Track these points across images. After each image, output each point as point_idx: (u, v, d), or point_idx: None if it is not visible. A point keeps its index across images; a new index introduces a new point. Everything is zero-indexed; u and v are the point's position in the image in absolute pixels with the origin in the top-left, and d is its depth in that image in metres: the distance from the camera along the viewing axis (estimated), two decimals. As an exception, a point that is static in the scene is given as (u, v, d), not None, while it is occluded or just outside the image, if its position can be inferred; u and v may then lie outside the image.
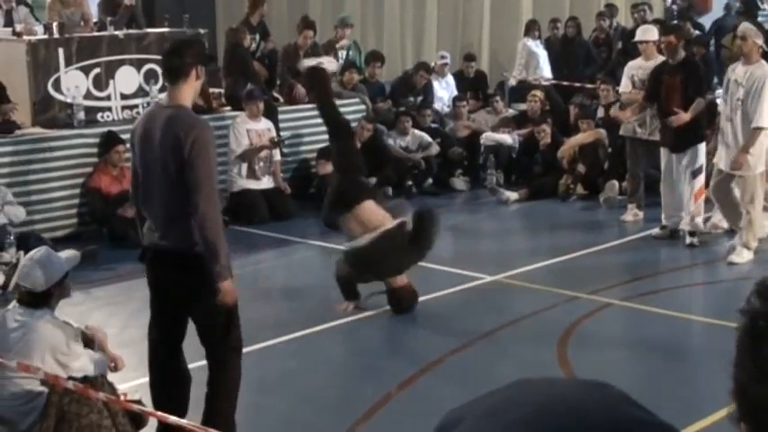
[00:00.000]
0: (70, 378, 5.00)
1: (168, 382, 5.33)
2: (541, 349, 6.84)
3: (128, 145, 9.88)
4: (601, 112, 12.20)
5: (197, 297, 5.01)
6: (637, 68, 10.09)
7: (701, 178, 9.24)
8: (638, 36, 10.24)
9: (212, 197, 4.90)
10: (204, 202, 4.81)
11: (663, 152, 9.46)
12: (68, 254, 5.50)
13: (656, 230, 9.65)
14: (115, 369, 5.50)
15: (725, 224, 9.55)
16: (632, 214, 10.23)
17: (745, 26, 8.91)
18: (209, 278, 4.86)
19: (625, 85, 10.22)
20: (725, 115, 8.82)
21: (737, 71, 8.65)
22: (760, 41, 8.64)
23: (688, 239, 9.31)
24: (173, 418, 4.82)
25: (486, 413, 1.15)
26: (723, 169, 8.81)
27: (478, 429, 1.14)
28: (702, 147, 9.26)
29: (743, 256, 8.69)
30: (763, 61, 8.63)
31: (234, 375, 5.25)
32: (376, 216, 7.60)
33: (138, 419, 5.25)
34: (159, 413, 4.96)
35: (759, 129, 8.48)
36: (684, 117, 9.05)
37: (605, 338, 7.09)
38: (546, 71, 14.37)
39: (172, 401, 5.23)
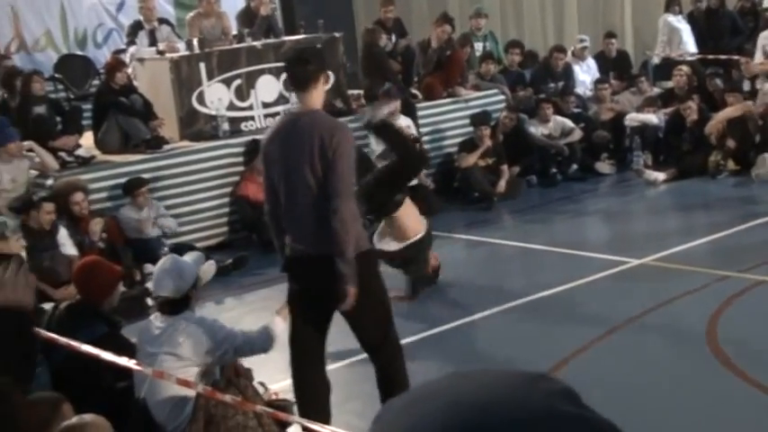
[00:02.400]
0: (214, 383, 5.14)
1: (315, 390, 5.34)
2: (691, 331, 6.66)
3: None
4: (748, 85, 11.78)
5: (358, 301, 4.99)
6: None
7: None
8: None
9: (350, 201, 4.96)
10: (345, 209, 4.87)
11: None
12: (194, 255, 5.66)
13: None
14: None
15: None
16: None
17: None
18: (363, 282, 4.94)
19: (758, 57, 9.80)
20: None
21: None
22: None
23: None
24: (312, 425, 4.84)
25: (406, 403, 1.12)
26: None
27: (396, 418, 1.11)
28: None
29: None
30: None
31: (403, 376, 5.28)
32: (412, 223, 7.78)
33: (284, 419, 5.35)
34: (296, 418, 5.04)
35: None
36: None
37: (757, 318, 6.84)
38: (690, 46, 13.94)
39: (318, 409, 5.27)
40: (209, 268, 5.59)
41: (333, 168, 4.86)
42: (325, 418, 5.17)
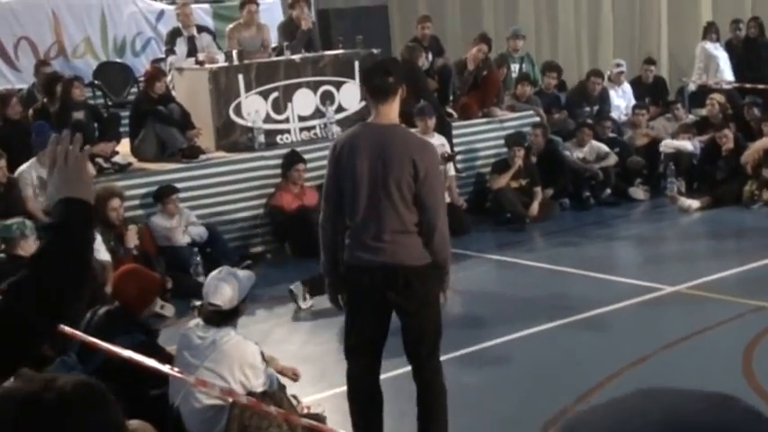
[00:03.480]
0: (250, 393, 5.17)
1: (373, 405, 5.34)
2: (725, 361, 6.63)
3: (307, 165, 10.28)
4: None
5: (419, 312, 5.12)
6: None
7: None
8: None
9: (445, 217, 5.12)
10: (442, 222, 5.04)
11: None
12: (246, 273, 5.70)
13: None
14: (295, 379, 5.68)
15: None
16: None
17: None
18: (431, 292, 5.10)
19: None
20: None
21: None
22: None
23: None
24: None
25: (594, 421, 1.14)
26: None
27: None
28: None
29: None
30: None
31: (444, 395, 5.30)
32: None
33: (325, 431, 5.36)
34: (334, 429, 5.06)
35: None
36: None
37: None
38: (727, 74, 13.92)
39: (374, 425, 5.32)
40: (250, 278, 5.62)
41: (428, 187, 4.98)
42: (379, 428, 5.27)
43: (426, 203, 4.98)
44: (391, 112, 5.07)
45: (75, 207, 2.35)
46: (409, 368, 5.35)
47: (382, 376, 5.39)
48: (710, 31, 14.34)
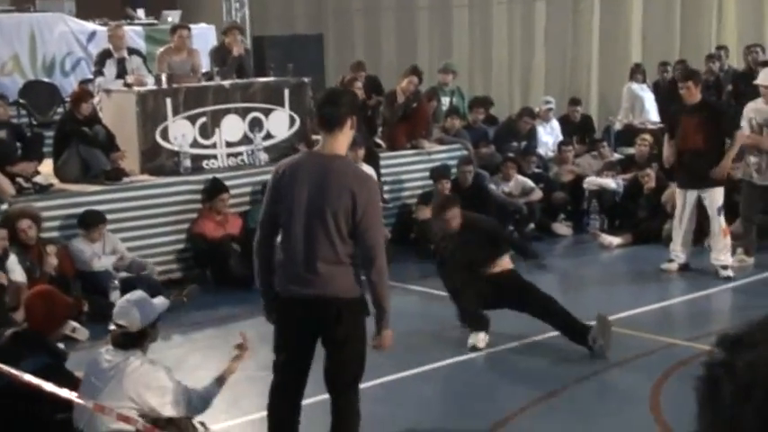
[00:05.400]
0: (155, 419, 5.11)
1: (290, 423, 5.36)
2: (634, 396, 6.72)
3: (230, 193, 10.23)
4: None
5: (345, 343, 5.12)
6: (755, 111, 9.91)
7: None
8: (760, 80, 10.07)
9: (383, 250, 5.07)
10: (380, 255, 5.00)
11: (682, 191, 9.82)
12: (159, 300, 5.66)
13: (668, 264, 9.94)
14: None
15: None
16: (738, 259, 10.01)
17: None
18: (359, 325, 5.10)
19: (745, 129, 10.00)
20: None
21: None
22: None
23: (723, 273, 9.62)
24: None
25: None
26: None
27: None
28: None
29: None
30: None
31: (357, 426, 5.32)
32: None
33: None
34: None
35: None
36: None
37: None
38: (652, 114, 14.19)
39: None
40: (162, 303, 5.58)
41: (367, 221, 4.94)
42: None
43: (365, 238, 4.95)
44: (337, 142, 5.04)
45: None
46: (327, 397, 5.35)
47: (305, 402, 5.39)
48: (637, 73, 14.63)
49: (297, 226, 5.00)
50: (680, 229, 9.92)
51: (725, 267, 9.64)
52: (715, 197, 9.57)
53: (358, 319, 5.13)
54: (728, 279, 9.56)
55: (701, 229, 11.05)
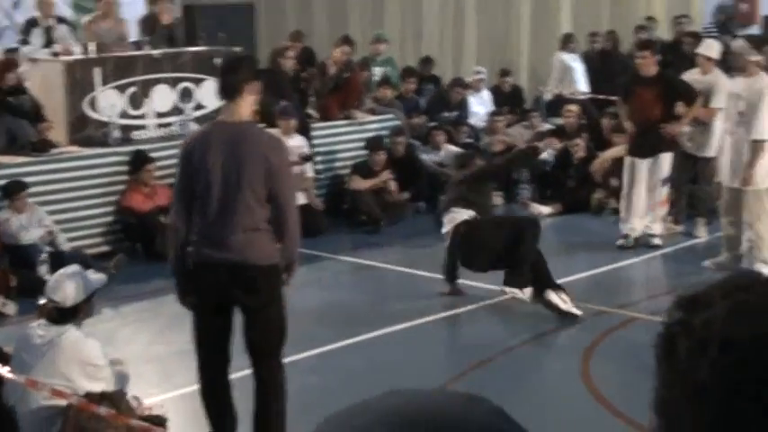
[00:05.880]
0: (88, 393, 5.07)
1: (224, 396, 5.39)
2: (565, 363, 6.84)
3: (157, 164, 10.13)
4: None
5: (263, 310, 5.17)
6: (692, 81, 9.87)
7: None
8: (701, 50, 10.18)
9: (296, 212, 5.20)
10: (292, 217, 5.12)
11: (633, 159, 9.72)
12: (96, 275, 5.60)
13: (624, 241, 9.76)
14: None
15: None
16: (667, 227, 10.12)
17: (737, 43, 9.03)
18: (277, 291, 5.16)
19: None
20: (727, 129, 8.84)
21: (738, 84, 8.70)
22: (754, 57, 8.70)
23: (652, 241, 9.71)
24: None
25: (340, 420, 1.17)
26: (732, 186, 8.72)
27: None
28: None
29: (763, 273, 8.57)
30: (763, 73, 8.64)
31: (283, 396, 5.35)
32: None
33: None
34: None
35: (759, 141, 8.43)
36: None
37: (628, 352, 7.04)
38: (582, 85, 14.31)
39: (228, 414, 5.38)
40: (99, 279, 5.53)
41: (281, 183, 5.04)
42: (233, 423, 5.34)
43: (279, 200, 5.04)
44: (240, 108, 5.08)
45: None
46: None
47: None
48: (568, 43, 14.72)
49: (214, 195, 5.03)
50: (631, 201, 9.73)
51: (653, 236, 9.78)
52: (663, 165, 9.62)
53: (276, 285, 5.18)
54: (657, 247, 9.69)
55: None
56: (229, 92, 5.09)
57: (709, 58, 9.97)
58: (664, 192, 9.77)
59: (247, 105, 5.12)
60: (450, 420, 1.14)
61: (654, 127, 9.44)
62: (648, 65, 9.54)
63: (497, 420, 1.18)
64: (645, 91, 9.45)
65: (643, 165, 9.62)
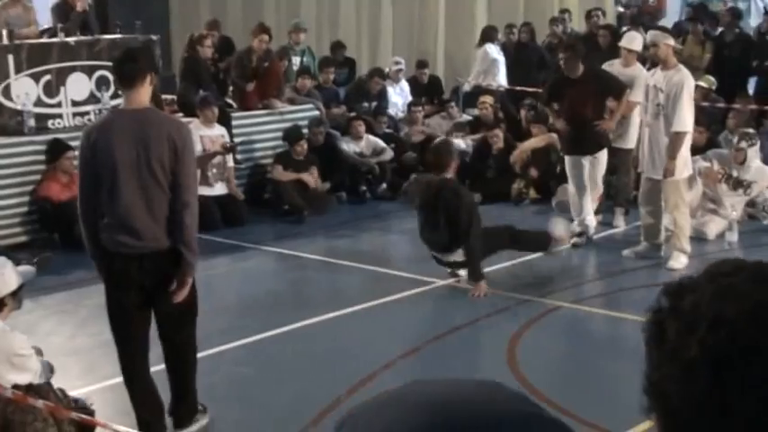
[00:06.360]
0: (15, 386, 4.96)
1: (149, 383, 5.44)
2: (491, 351, 6.91)
3: (76, 152, 9.96)
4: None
5: (171, 295, 5.23)
6: (615, 73, 9.86)
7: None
8: (623, 43, 10.24)
9: (197, 194, 5.28)
10: (193, 198, 5.19)
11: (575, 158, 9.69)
12: (24, 268, 5.50)
13: (577, 239, 9.69)
14: None
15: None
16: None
17: (652, 33, 9.01)
18: (181, 274, 5.21)
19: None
20: (645, 121, 8.90)
21: (657, 76, 8.72)
22: (671, 42, 8.75)
23: (576, 240, 9.59)
24: (118, 427, 4.81)
25: (372, 411, 1.18)
26: (650, 176, 8.87)
27: (362, 426, 1.17)
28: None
29: (681, 261, 8.76)
30: (681, 66, 8.74)
31: (194, 384, 5.54)
32: None
33: (86, 427, 5.22)
34: (103, 422, 4.95)
35: (680, 133, 8.55)
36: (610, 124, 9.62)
37: (553, 340, 7.16)
38: (502, 77, 14.44)
39: (155, 403, 5.46)
40: (27, 272, 5.42)
41: (184, 164, 5.10)
42: (160, 412, 5.46)
43: (181, 180, 5.10)
44: (140, 96, 5.17)
45: None
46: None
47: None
48: (494, 35, 14.78)
49: (124, 182, 5.06)
50: (582, 198, 9.74)
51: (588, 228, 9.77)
52: (603, 161, 9.61)
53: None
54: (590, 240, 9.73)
55: (548, 189, 11.42)
56: (128, 80, 5.17)
57: (631, 51, 10.06)
58: (600, 189, 9.84)
59: (146, 93, 5.21)
60: (479, 407, 1.16)
61: (588, 124, 9.43)
62: (574, 67, 9.44)
63: (522, 405, 1.21)
64: (574, 91, 9.38)
65: (585, 161, 9.62)
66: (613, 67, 10.10)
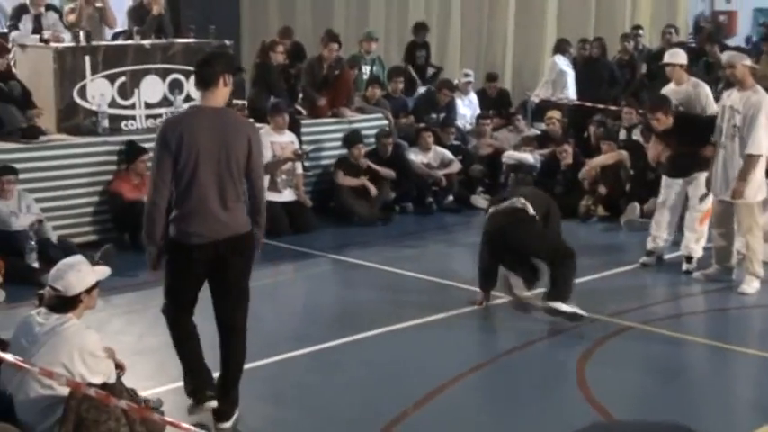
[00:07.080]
0: (90, 384, 5.01)
1: (192, 337, 5.91)
2: (561, 371, 6.83)
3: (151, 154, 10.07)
4: (623, 134, 12.18)
5: (244, 270, 5.64)
6: (671, 94, 9.34)
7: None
8: (666, 59, 9.89)
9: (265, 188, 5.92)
10: (264, 189, 5.81)
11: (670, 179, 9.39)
12: (100, 267, 5.56)
13: (645, 258, 9.52)
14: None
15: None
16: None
17: (728, 54, 8.82)
18: (253, 252, 5.69)
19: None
20: (720, 143, 8.65)
21: (733, 97, 8.52)
22: (748, 62, 8.57)
23: (685, 266, 9.31)
24: (188, 426, 4.82)
25: None
26: (723, 199, 8.71)
27: None
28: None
29: (753, 286, 8.60)
30: (759, 87, 8.51)
31: (243, 360, 5.81)
32: None
33: (157, 427, 5.25)
34: (175, 421, 4.97)
35: (754, 156, 8.38)
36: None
37: (624, 360, 7.06)
38: (571, 91, 14.33)
39: (197, 356, 5.93)
40: (103, 271, 5.49)
41: (255, 161, 5.58)
42: (202, 366, 5.90)
43: (256, 175, 5.61)
44: (215, 97, 5.52)
45: None
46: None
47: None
48: (564, 47, 14.69)
49: (205, 172, 5.43)
50: (663, 218, 9.48)
51: (691, 259, 9.39)
52: (701, 184, 9.10)
53: (253, 248, 5.69)
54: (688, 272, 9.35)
55: (616, 207, 11.31)
56: (204, 82, 5.53)
57: (678, 65, 9.33)
58: (704, 208, 9.26)
59: (222, 94, 5.54)
60: None
61: (686, 152, 9.09)
62: (664, 124, 9.08)
63: None
64: (665, 138, 9.14)
65: (679, 184, 9.30)
66: (669, 87, 9.66)
